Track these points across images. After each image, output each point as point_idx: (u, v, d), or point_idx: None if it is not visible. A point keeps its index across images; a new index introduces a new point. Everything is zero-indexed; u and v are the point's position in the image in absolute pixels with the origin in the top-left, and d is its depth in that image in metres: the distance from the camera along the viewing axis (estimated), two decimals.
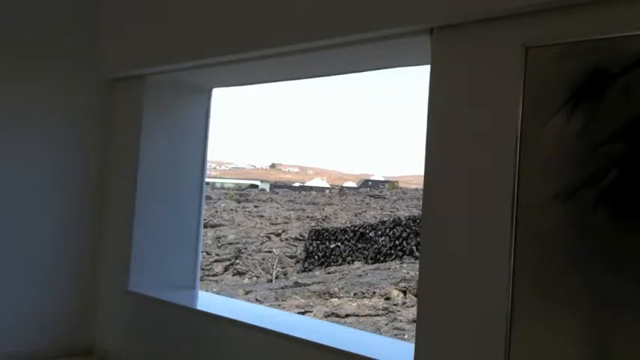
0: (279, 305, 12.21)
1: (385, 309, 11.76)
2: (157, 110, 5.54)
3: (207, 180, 6.18)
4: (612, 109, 2.71)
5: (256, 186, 48.15)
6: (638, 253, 2.62)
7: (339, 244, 18.23)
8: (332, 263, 17.71)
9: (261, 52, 4.38)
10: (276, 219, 22.28)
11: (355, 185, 59.38)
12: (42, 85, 5.43)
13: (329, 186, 58.92)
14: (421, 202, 3.59)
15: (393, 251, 17.07)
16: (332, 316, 11.40)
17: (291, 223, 21.51)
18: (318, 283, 14.28)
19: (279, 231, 20.60)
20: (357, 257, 17.64)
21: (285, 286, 14.59)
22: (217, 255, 18.11)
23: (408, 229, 17.14)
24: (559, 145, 2.87)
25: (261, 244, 19.32)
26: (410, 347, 3.56)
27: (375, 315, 11.47)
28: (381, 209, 23.92)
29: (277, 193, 32.95)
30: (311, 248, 18.52)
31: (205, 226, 15.80)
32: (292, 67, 4.79)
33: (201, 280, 6.39)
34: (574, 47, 2.84)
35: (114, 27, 5.67)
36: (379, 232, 17.83)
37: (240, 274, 17.42)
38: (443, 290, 3.33)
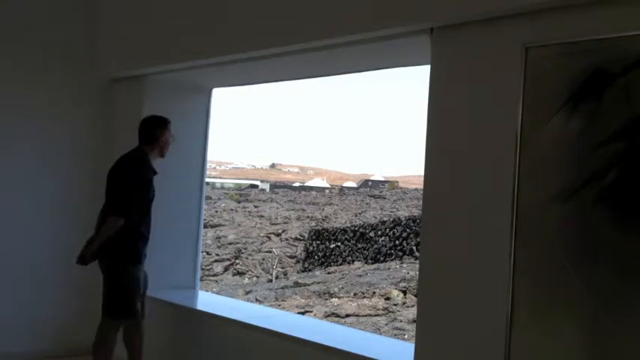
0: (279, 305, 12.22)
1: (385, 309, 11.77)
2: (157, 110, 5.51)
3: (207, 180, 6.17)
4: (612, 109, 2.71)
5: (256, 186, 48.20)
6: (638, 253, 2.62)
7: (339, 244, 18.24)
8: (332, 263, 17.73)
9: (261, 52, 4.38)
10: (276, 219, 22.30)
11: (355, 185, 59.44)
12: (42, 86, 5.43)
13: (329, 186, 58.99)
14: (421, 202, 3.58)
15: (393, 251, 17.08)
16: (332, 316, 11.40)
17: (291, 223, 21.52)
18: (318, 283, 14.28)
19: (279, 231, 20.62)
20: (357, 257, 17.65)
21: (285, 286, 14.60)
22: (217, 255, 18.12)
23: (408, 229, 17.15)
24: (559, 145, 2.87)
25: (261, 244, 19.34)
26: (410, 347, 3.56)
27: (375, 315, 11.48)
28: (381, 209, 23.94)
29: (277, 193, 32.99)
30: (311, 248, 18.53)
31: (205, 226, 15.82)
32: (292, 67, 4.79)
33: (201, 280, 6.38)
34: (574, 47, 2.83)
35: (114, 27, 5.66)
36: (379, 232, 17.84)
37: (240, 274, 17.43)
38: (443, 290, 3.33)
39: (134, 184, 4.24)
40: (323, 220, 22.11)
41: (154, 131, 4.38)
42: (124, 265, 4.24)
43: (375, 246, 17.58)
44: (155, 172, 4.35)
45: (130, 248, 4.23)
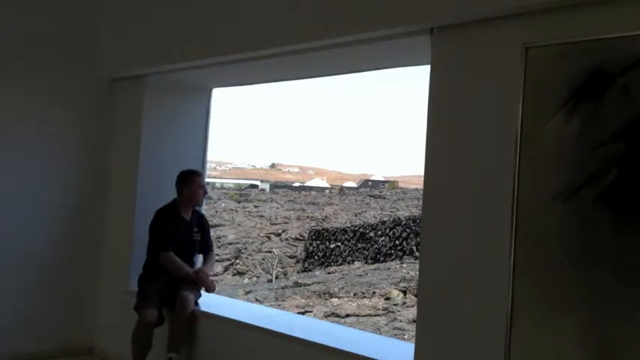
0: (279, 305, 12.21)
1: (385, 309, 11.75)
2: (157, 110, 5.53)
3: (207, 180, 6.17)
4: (612, 109, 2.71)
5: (256, 186, 48.21)
6: (638, 253, 2.62)
7: (339, 244, 18.22)
8: (332, 263, 17.71)
9: (261, 52, 4.38)
10: (276, 219, 22.29)
11: (355, 185, 59.47)
12: (42, 86, 5.42)
13: (329, 186, 59.04)
14: (421, 202, 3.58)
15: (393, 251, 17.07)
16: (332, 316, 11.39)
17: (291, 223, 21.51)
18: (318, 283, 14.26)
19: (279, 231, 20.60)
20: (357, 257, 17.64)
21: (285, 286, 14.58)
22: (217, 255, 18.09)
23: (408, 229, 17.13)
24: (559, 145, 2.87)
25: (261, 244, 19.32)
26: (410, 347, 3.56)
27: (375, 315, 11.46)
28: (381, 209, 23.94)
29: (277, 193, 32.97)
30: (311, 248, 18.51)
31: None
32: (292, 67, 4.79)
33: None
34: (574, 47, 2.84)
35: (114, 27, 5.66)
36: (379, 232, 17.83)
37: (240, 274, 17.41)
38: (443, 290, 3.33)
39: (151, 225, 4.88)
40: (323, 220, 22.10)
41: (178, 185, 4.91)
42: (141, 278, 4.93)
43: (375, 246, 17.57)
44: (184, 219, 4.89)
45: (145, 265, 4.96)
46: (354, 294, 12.74)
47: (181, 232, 4.85)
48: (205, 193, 5.05)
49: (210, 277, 4.96)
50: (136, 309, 4.66)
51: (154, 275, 4.79)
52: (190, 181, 4.88)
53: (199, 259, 5.24)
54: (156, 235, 4.83)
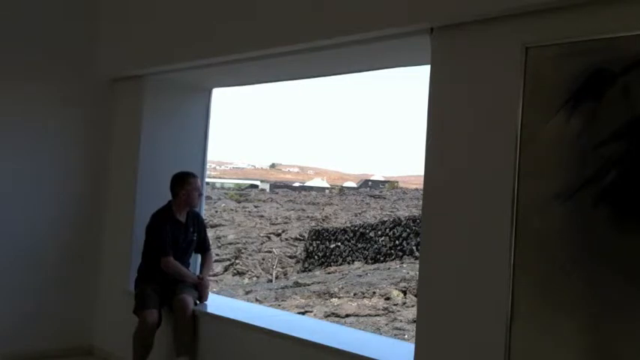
0: (279, 305, 12.20)
1: (385, 309, 11.75)
2: (157, 110, 5.54)
3: (207, 180, 6.18)
4: (612, 109, 2.71)
5: (256, 186, 48.17)
6: (638, 253, 2.62)
7: (339, 244, 18.21)
8: (332, 263, 17.70)
9: (261, 52, 4.38)
10: (276, 219, 22.28)
11: (355, 185, 59.47)
12: (42, 86, 5.42)
13: (329, 186, 59.03)
14: (421, 202, 3.59)
15: (393, 251, 17.06)
16: (332, 316, 11.39)
17: (291, 223, 21.50)
18: (318, 283, 14.26)
19: (279, 231, 20.60)
20: (357, 257, 17.63)
21: (285, 286, 14.58)
22: (217, 255, 18.10)
23: (408, 229, 17.12)
24: (559, 145, 2.87)
25: (261, 244, 19.31)
26: (410, 347, 3.56)
27: (375, 315, 11.46)
28: (381, 209, 23.93)
29: (277, 193, 32.95)
30: (311, 248, 18.50)
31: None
32: (292, 67, 4.79)
33: None
34: (574, 47, 2.84)
35: (114, 27, 5.66)
36: (379, 232, 17.81)
37: (240, 274, 17.41)
38: (443, 290, 3.33)
39: (148, 229, 4.88)
40: (323, 220, 22.09)
41: (173, 188, 4.90)
42: (138, 281, 4.91)
43: (375, 246, 17.56)
44: (179, 222, 4.87)
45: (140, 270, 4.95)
46: (354, 294, 12.74)
47: (178, 234, 4.85)
48: (200, 194, 5.03)
49: (209, 279, 4.98)
50: (136, 312, 4.66)
51: (151, 277, 4.78)
52: (185, 184, 4.86)
53: (198, 258, 5.25)
54: (153, 239, 4.81)
